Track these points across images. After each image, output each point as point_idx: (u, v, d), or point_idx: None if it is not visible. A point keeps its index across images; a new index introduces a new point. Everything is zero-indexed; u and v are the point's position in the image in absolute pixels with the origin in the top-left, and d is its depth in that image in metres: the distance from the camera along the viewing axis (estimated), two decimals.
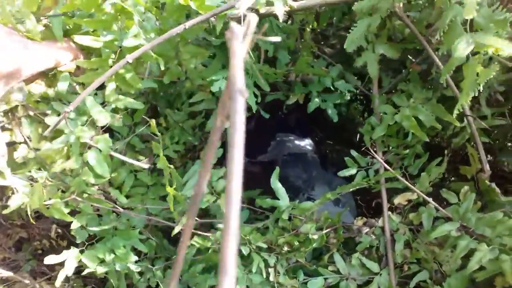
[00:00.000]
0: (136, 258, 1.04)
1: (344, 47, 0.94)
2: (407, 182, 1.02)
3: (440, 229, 0.96)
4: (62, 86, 0.89)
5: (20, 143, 0.88)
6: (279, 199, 1.03)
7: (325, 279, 1.03)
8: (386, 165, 1.06)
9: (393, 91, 1.13)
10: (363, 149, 1.08)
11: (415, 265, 1.03)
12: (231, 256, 0.21)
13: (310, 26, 1.22)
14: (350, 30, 0.93)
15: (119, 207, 1.01)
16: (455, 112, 0.87)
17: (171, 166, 0.92)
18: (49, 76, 0.91)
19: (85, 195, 0.95)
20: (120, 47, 0.89)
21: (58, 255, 0.98)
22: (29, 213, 0.87)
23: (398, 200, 1.07)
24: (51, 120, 0.87)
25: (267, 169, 1.13)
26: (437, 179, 1.06)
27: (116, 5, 0.84)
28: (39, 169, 0.89)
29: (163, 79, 1.01)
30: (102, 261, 1.00)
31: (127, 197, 1.07)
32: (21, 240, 1.38)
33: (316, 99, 1.14)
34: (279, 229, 1.03)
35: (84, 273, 0.99)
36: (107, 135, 0.92)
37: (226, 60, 1.06)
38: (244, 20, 0.90)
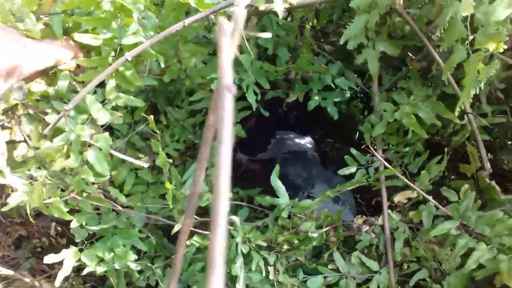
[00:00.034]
0: (135, 257, 1.04)
1: (340, 42, 0.94)
2: (407, 180, 1.02)
3: (440, 227, 0.96)
4: (62, 84, 0.89)
5: (19, 141, 0.88)
6: (278, 197, 1.03)
7: (325, 277, 1.03)
8: (386, 163, 1.05)
9: (393, 88, 1.12)
10: (363, 147, 1.07)
11: (414, 263, 1.03)
12: (219, 255, 0.21)
13: (310, 23, 1.22)
14: (348, 24, 0.93)
15: (118, 206, 1.01)
16: (457, 110, 0.87)
17: (170, 161, 0.92)
18: (49, 74, 0.91)
19: (84, 194, 0.95)
20: (120, 45, 0.89)
21: (57, 253, 0.98)
22: (28, 212, 0.87)
23: (398, 198, 1.07)
24: (51, 118, 0.87)
25: (267, 167, 1.13)
26: (437, 177, 1.06)
27: (115, 2, 0.84)
28: (39, 167, 0.89)
29: (163, 77, 1.01)
30: (101, 260, 1.00)
31: (127, 195, 1.07)
32: (21, 238, 1.39)
33: (316, 97, 1.14)
34: (278, 227, 1.03)
35: (84, 272, 0.99)
36: (107, 133, 0.92)
37: None
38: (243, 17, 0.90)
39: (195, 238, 0.99)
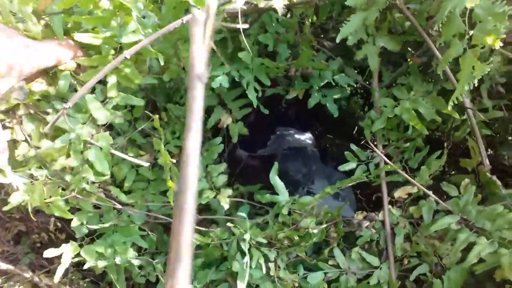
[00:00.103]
0: (136, 254, 1.05)
1: (337, 41, 0.93)
2: (407, 176, 1.02)
3: (440, 222, 0.97)
4: (63, 84, 0.89)
5: (21, 141, 0.89)
6: (278, 194, 1.03)
7: (325, 273, 1.03)
8: (386, 159, 1.06)
9: (393, 84, 1.12)
10: (362, 142, 1.08)
11: (415, 258, 1.03)
12: (187, 243, 0.21)
13: (310, 20, 1.21)
14: (344, 22, 0.93)
15: (119, 204, 1.01)
16: (450, 104, 0.87)
17: (174, 161, 0.92)
18: (50, 74, 0.91)
19: (85, 193, 0.96)
20: (120, 43, 0.89)
21: (57, 248, 0.98)
22: (29, 210, 0.88)
23: (398, 193, 1.07)
24: (52, 118, 0.88)
25: (267, 163, 1.13)
26: (437, 172, 1.06)
27: (115, 1, 0.84)
28: (40, 167, 0.90)
29: (162, 76, 1.02)
30: (101, 254, 1.00)
31: (128, 192, 1.08)
32: (20, 233, 1.39)
33: (316, 94, 1.14)
34: (279, 224, 1.03)
35: (84, 267, 1.00)
36: (107, 133, 0.93)
37: (226, 56, 1.06)
38: (241, 14, 0.90)
39: (195, 236, 1.00)
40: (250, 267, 0.96)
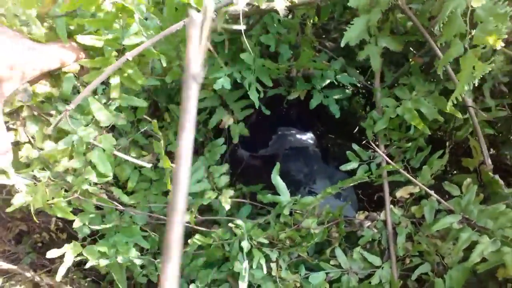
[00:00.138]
0: (138, 254, 1.05)
1: (341, 45, 0.93)
2: (409, 175, 1.02)
3: (442, 221, 0.97)
4: (67, 86, 0.90)
5: (24, 143, 0.89)
6: (280, 195, 1.03)
7: (327, 273, 1.04)
8: (387, 159, 1.06)
9: (395, 84, 1.12)
10: (364, 142, 1.08)
11: (417, 258, 1.04)
12: (176, 242, 0.21)
13: (311, 21, 1.21)
14: (348, 26, 0.93)
15: (121, 206, 1.02)
16: (449, 104, 0.87)
17: (174, 166, 0.93)
18: (54, 76, 0.92)
19: (87, 194, 0.96)
20: (123, 45, 0.90)
21: (58, 248, 0.99)
22: (32, 211, 0.89)
23: (400, 193, 1.07)
24: (55, 120, 0.89)
25: (269, 163, 1.13)
26: (439, 171, 1.06)
27: (117, 3, 0.85)
28: (43, 168, 0.91)
29: (165, 78, 1.02)
30: (103, 254, 1.01)
31: (131, 193, 1.09)
32: (21, 233, 1.39)
33: (318, 95, 1.14)
34: (280, 224, 1.03)
35: (86, 266, 1.00)
36: (110, 134, 0.93)
37: (229, 57, 1.07)
38: (243, 16, 0.90)
39: (196, 237, 1.00)
40: (252, 267, 0.96)
